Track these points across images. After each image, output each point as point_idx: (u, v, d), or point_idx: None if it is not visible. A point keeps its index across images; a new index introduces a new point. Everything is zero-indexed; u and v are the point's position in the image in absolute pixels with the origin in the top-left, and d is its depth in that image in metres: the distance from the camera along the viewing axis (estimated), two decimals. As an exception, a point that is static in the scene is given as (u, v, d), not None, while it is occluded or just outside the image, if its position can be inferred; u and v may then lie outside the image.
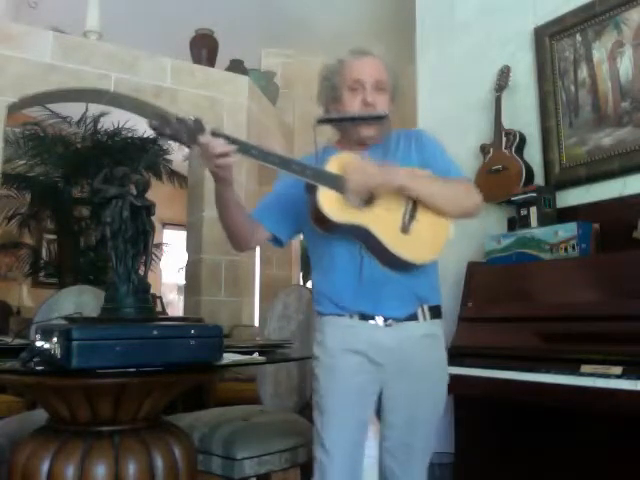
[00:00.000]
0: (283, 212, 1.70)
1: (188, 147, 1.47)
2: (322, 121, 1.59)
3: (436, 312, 1.67)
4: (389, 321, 1.60)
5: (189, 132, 1.41)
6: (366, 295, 1.60)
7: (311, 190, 1.52)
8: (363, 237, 1.56)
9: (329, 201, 1.50)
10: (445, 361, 1.71)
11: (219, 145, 1.42)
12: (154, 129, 1.41)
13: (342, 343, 1.61)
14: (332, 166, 1.53)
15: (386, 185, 1.52)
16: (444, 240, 1.58)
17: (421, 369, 1.63)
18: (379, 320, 1.60)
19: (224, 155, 1.43)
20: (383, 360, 1.61)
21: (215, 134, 1.43)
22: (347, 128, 1.66)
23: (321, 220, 1.53)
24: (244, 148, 1.46)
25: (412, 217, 1.55)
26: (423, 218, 1.56)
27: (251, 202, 5.04)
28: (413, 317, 1.62)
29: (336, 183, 1.50)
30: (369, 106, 1.61)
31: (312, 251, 1.72)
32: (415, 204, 1.56)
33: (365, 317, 1.61)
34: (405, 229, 1.55)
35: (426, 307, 1.64)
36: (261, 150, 1.49)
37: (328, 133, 1.74)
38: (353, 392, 1.61)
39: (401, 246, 1.54)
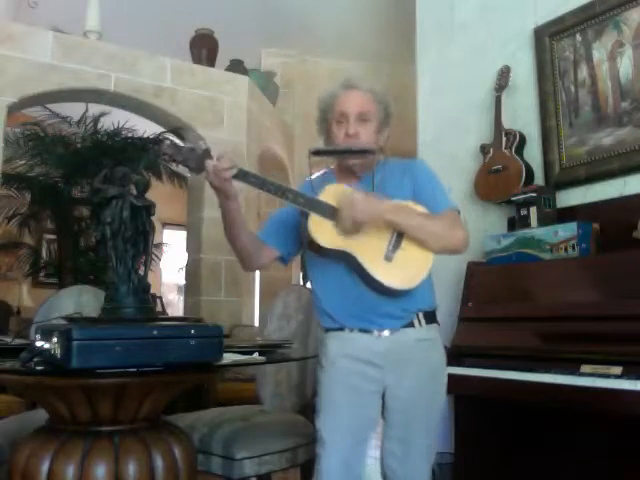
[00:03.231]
0: (286, 232, 1.80)
1: (197, 173, 1.61)
2: (316, 153, 1.70)
3: (431, 317, 1.75)
4: (386, 331, 1.69)
5: (197, 160, 1.58)
6: (360, 315, 1.68)
7: (305, 216, 1.64)
8: (349, 262, 1.65)
9: (319, 227, 1.61)
10: (443, 362, 1.78)
11: (222, 163, 1.56)
12: (167, 155, 1.58)
13: (341, 350, 1.71)
14: (326, 195, 1.65)
15: (372, 221, 1.61)
16: (426, 269, 1.66)
17: (419, 369, 1.70)
18: (377, 332, 1.69)
19: (227, 169, 1.56)
20: (382, 362, 1.68)
21: (220, 160, 1.58)
22: (340, 158, 1.77)
23: (312, 244, 1.64)
24: (243, 176, 1.60)
25: (396, 246, 1.64)
26: (407, 247, 1.64)
27: (250, 206, 5.04)
28: (409, 324, 1.70)
29: (327, 211, 1.62)
30: (351, 138, 1.70)
31: (310, 270, 1.81)
32: (401, 234, 1.64)
33: (364, 330, 1.69)
34: (388, 257, 1.63)
35: (421, 314, 1.71)
36: (259, 178, 1.64)
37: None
38: (348, 391, 1.68)
39: (383, 273, 1.63)
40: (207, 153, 1.58)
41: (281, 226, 1.81)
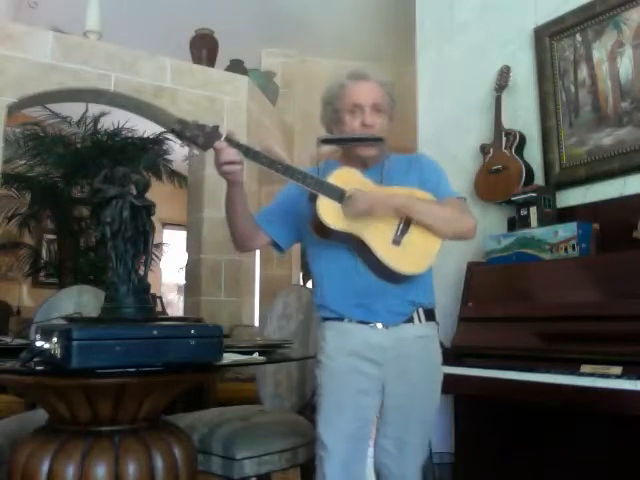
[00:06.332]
0: (284, 219, 1.79)
1: (204, 150, 1.59)
2: (325, 141, 1.69)
3: (430, 315, 1.75)
4: (386, 325, 1.68)
5: (206, 137, 1.56)
6: (362, 305, 1.68)
7: (312, 198, 1.62)
8: (357, 246, 1.64)
9: (327, 209, 1.60)
10: (439, 362, 1.78)
11: (229, 154, 1.56)
12: (175, 132, 1.56)
13: (340, 346, 1.70)
14: (335, 178, 1.63)
15: (386, 210, 1.62)
16: (433, 254, 1.66)
17: (416, 368, 1.70)
18: (376, 324, 1.68)
19: (232, 163, 1.57)
20: (380, 359, 1.68)
21: (229, 140, 1.57)
22: (348, 148, 1.76)
23: (319, 227, 1.63)
24: (253, 155, 1.61)
25: (405, 230, 1.64)
26: (415, 232, 1.64)
27: (251, 202, 5.04)
28: (409, 320, 1.70)
29: (335, 194, 1.61)
30: (368, 127, 1.70)
31: (311, 260, 1.80)
32: (409, 219, 1.64)
33: (363, 322, 1.68)
34: (397, 241, 1.63)
35: (421, 310, 1.72)
36: (268, 158, 1.63)
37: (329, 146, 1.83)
38: (347, 391, 1.67)
39: (391, 257, 1.62)
40: (216, 130, 1.57)
41: (278, 212, 1.80)
